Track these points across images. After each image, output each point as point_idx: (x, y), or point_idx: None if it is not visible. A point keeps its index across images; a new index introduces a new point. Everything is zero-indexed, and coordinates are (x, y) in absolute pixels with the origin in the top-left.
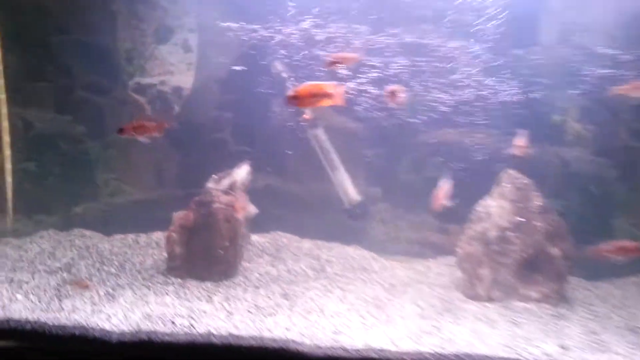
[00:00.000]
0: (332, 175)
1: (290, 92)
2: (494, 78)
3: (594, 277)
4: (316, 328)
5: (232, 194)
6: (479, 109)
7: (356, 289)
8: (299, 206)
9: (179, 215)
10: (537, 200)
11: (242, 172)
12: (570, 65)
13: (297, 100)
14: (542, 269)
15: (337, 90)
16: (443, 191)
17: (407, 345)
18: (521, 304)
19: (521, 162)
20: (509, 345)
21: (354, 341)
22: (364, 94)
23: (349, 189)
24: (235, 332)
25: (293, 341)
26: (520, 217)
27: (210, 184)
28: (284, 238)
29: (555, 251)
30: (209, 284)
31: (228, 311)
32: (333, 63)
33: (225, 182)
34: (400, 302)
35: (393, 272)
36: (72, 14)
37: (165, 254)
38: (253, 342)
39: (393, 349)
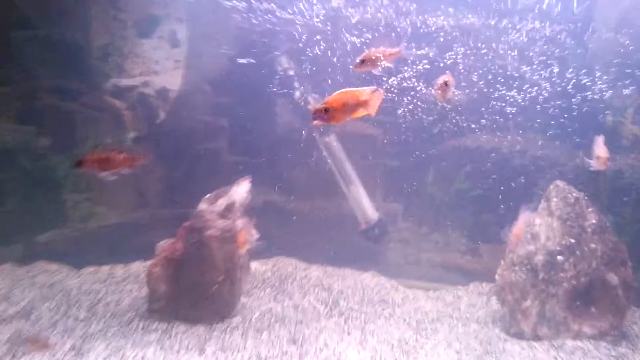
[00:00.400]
0: (346, 190)
1: (318, 106)
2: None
3: None
4: None
5: (230, 218)
6: (517, 108)
7: (378, 328)
8: (307, 227)
9: (163, 246)
10: (592, 218)
11: (241, 191)
12: (627, 57)
13: (328, 114)
14: (599, 300)
15: (375, 97)
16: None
17: None
18: (574, 343)
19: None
20: None
21: None
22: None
23: (366, 205)
24: None
25: None
26: (573, 238)
27: (202, 205)
28: (288, 265)
29: (613, 278)
30: (200, 329)
31: None
32: (367, 62)
33: (221, 203)
34: (432, 344)
35: (418, 304)
36: (36, 4)
37: (146, 291)
38: None
39: None
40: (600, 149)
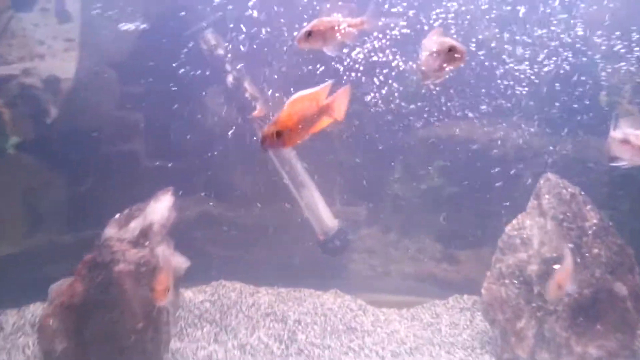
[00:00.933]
0: (297, 196)
1: (266, 129)
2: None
3: None
4: None
5: (146, 246)
6: (495, 89)
7: None
8: (251, 241)
9: (58, 289)
10: (593, 217)
11: (161, 208)
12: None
13: (282, 138)
14: (605, 315)
15: (339, 96)
16: (567, 273)
17: None
18: None
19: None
20: None
21: None
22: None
23: (323, 212)
24: None
25: None
26: (571, 242)
27: (109, 231)
28: (231, 291)
29: (621, 289)
30: None
31: None
32: (316, 36)
33: (134, 227)
34: None
35: (391, 328)
36: None
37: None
38: None
39: None
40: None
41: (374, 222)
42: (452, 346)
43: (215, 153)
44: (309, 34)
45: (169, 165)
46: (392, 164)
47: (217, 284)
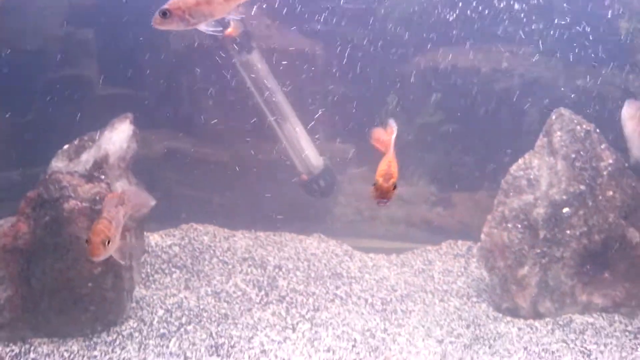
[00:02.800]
0: (278, 130)
1: (388, 182)
2: None
3: None
4: None
5: (102, 180)
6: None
7: (333, 317)
8: (226, 181)
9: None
10: (608, 157)
11: (118, 138)
12: None
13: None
14: (614, 264)
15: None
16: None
17: None
18: (583, 319)
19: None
20: None
21: None
22: None
23: (307, 149)
24: None
25: None
26: (583, 184)
27: (56, 164)
28: (204, 235)
29: (635, 235)
30: (74, 346)
31: None
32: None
33: (87, 159)
34: (407, 334)
35: (380, 274)
36: None
37: None
38: None
39: None
40: None
41: (362, 162)
42: (445, 294)
43: (185, 80)
44: (165, 14)
45: (128, 93)
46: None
47: (188, 227)
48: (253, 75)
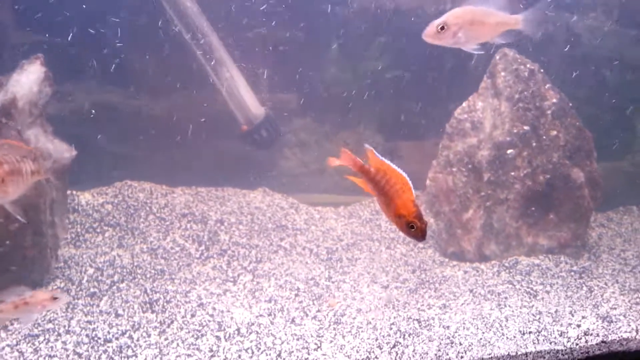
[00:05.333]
0: (214, 77)
1: (422, 222)
2: None
3: (602, 207)
4: None
5: (10, 126)
6: None
7: (276, 268)
8: (161, 136)
9: None
10: (552, 97)
11: (27, 80)
12: None
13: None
14: (559, 204)
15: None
16: None
17: None
18: (529, 260)
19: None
20: (536, 330)
21: None
22: None
23: (246, 97)
24: None
25: None
26: (527, 124)
27: None
28: (139, 192)
29: (579, 175)
30: None
31: None
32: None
33: None
34: (351, 281)
35: (327, 225)
36: None
37: None
38: None
39: None
40: None
41: (306, 112)
42: (392, 241)
43: (109, 24)
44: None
45: (49, 41)
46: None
47: (122, 185)
48: (181, 13)
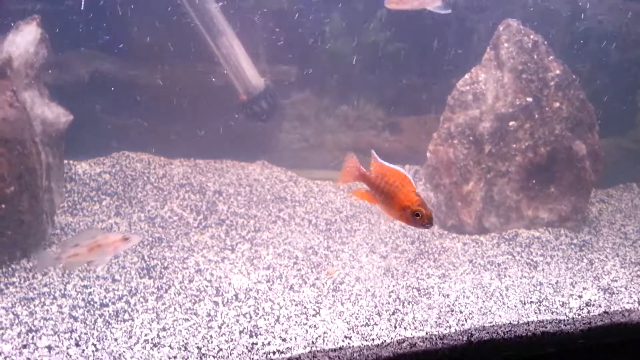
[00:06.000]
0: (214, 48)
1: (427, 210)
2: None
3: (601, 183)
4: (215, 335)
5: (5, 87)
6: None
7: (274, 237)
8: (160, 107)
9: None
10: (556, 68)
11: (22, 40)
12: None
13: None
14: (560, 177)
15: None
16: None
17: (381, 333)
18: (529, 233)
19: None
20: (537, 300)
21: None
22: None
23: (245, 68)
24: None
25: None
26: (530, 96)
27: None
28: (137, 162)
29: (581, 147)
30: None
31: (31, 328)
32: None
33: None
34: (350, 251)
35: (326, 198)
36: None
37: None
38: None
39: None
40: None
41: (306, 85)
42: None
43: None
44: None
45: (45, 9)
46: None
47: (119, 155)
48: None
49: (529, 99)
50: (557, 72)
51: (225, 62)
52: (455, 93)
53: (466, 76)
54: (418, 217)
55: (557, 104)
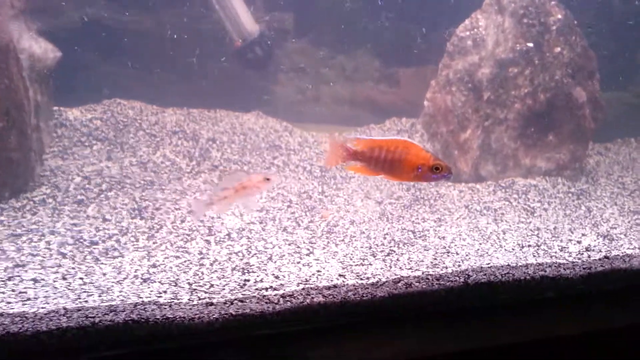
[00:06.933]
0: None
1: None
2: None
3: (599, 137)
4: (206, 272)
5: None
6: None
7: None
8: (153, 54)
9: None
10: (558, 13)
11: None
12: None
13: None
14: (559, 124)
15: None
16: None
17: (376, 272)
18: (526, 182)
19: None
20: (535, 244)
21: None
22: None
23: (240, 13)
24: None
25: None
26: (531, 41)
27: None
28: (129, 109)
29: (581, 94)
30: None
31: (18, 264)
32: None
33: None
34: (345, 196)
35: (321, 148)
36: None
37: None
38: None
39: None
40: None
41: (303, 33)
42: None
43: None
44: None
45: None
46: None
47: (111, 102)
48: None
49: (530, 44)
50: (559, 16)
51: (219, 6)
52: (455, 39)
53: (466, 21)
54: (438, 170)
55: (559, 49)
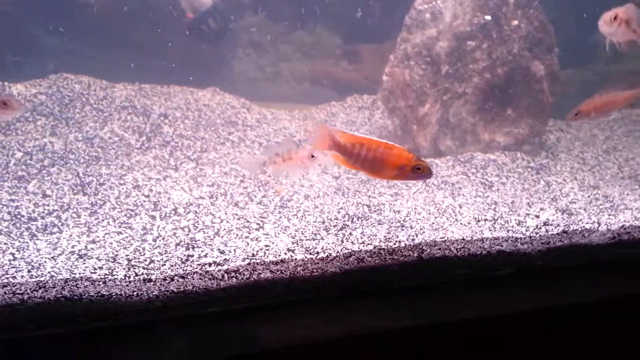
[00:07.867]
0: None
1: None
2: None
3: (561, 114)
4: (148, 248)
5: None
6: None
7: (221, 157)
8: (101, 27)
9: None
10: None
11: None
12: None
13: None
14: (518, 99)
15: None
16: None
17: (327, 247)
18: (485, 156)
19: None
20: (491, 218)
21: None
22: None
23: None
24: None
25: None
26: (489, 14)
27: None
28: (76, 84)
29: (539, 68)
30: None
31: None
32: None
33: None
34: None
35: (280, 125)
36: None
37: None
38: None
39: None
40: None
41: (259, 8)
42: None
43: None
44: None
45: None
46: None
47: (57, 77)
48: None
49: (488, 17)
50: None
51: None
52: (413, 12)
53: None
54: (419, 170)
55: (516, 22)
